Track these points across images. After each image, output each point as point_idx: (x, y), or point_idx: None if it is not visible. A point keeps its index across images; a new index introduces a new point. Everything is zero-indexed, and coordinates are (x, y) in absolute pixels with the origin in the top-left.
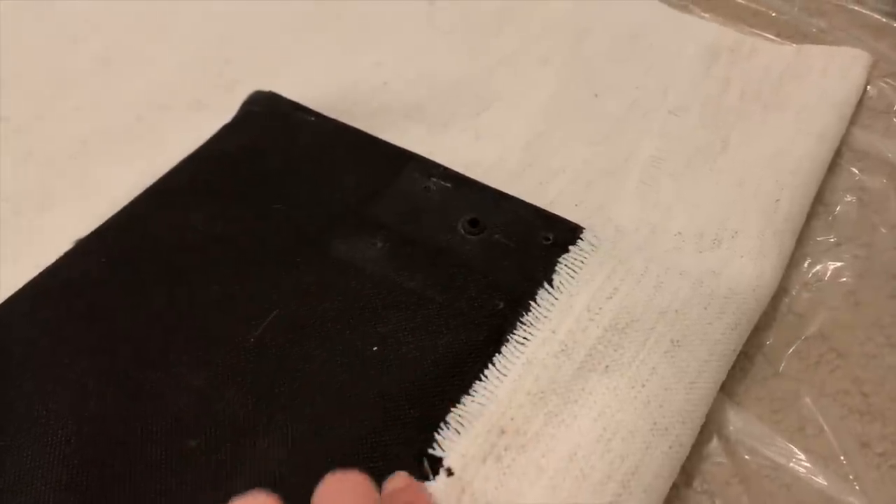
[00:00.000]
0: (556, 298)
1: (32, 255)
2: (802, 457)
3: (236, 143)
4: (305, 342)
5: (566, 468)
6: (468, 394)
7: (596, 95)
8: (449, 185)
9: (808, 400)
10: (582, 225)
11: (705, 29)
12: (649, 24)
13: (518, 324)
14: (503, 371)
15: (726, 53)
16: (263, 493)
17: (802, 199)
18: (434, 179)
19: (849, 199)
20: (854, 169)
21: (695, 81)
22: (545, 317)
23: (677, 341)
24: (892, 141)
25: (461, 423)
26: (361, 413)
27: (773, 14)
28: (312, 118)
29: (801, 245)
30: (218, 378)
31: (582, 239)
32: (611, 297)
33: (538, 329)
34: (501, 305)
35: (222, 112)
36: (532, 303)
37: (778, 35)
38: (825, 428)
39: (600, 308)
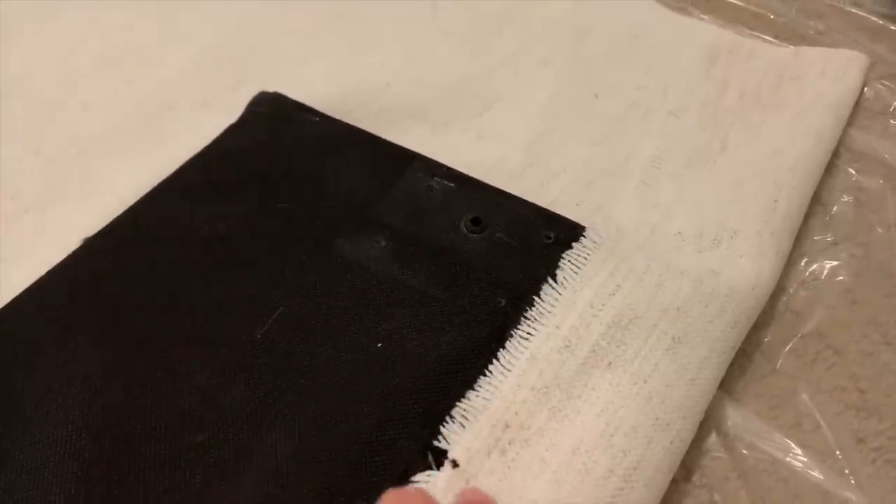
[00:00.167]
0: (560, 294)
1: (40, 254)
2: (799, 452)
3: (242, 144)
4: (311, 339)
5: (569, 462)
6: (473, 388)
7: (596, 96)
8: (451, 184)
9: (805, 396)
10: (583, 224)
11: (704, 30)
12: (649, 26)
13: (522, 319)
14: (507, 366)
15: (725, 55)
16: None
17: (800, 198)
18: (437, 179)
19: (846, 199)
20: (851, 169)
21: (694, 82)
22: (549, 312)
23: (678, 338)
24: (889, 142)
25: (466, 418)
26: (366, 408)
27: (772, 16)
28: (317, 119)
29: (798, 244)
30: (224, 374)
31: (584, 237)
32: (614, 294)
33: (542, 325)
34: (503, 302)
35: (228, 112)
36: (536, 298)
37: (776, 37)
38: (822, 424)
39: (603, 304)
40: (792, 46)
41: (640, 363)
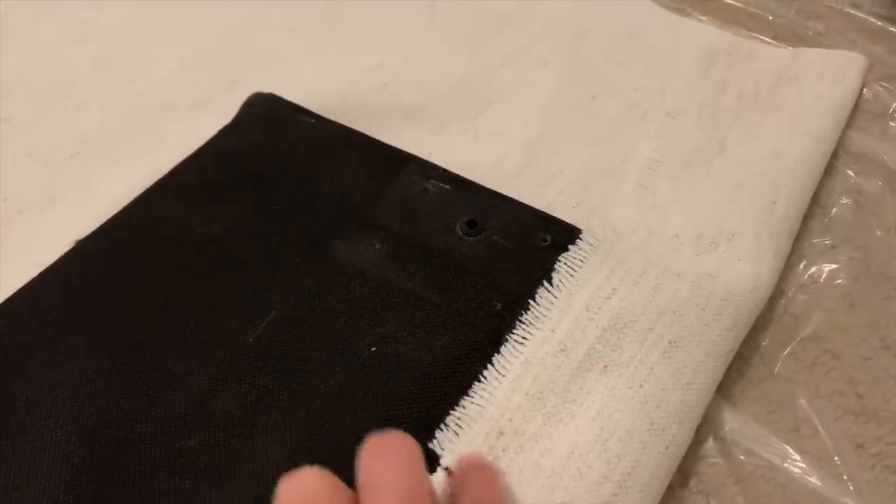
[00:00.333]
0: (556, 297)
1: (32, 255)
2: (797, 457)
3: (236, 145)
4: (304, 342)
5: (563, 467)
6: (467, 395)
7: (594, 97)
8: (447, 186)
9: (803, 401)
10: (580, 226)
11: (703, 32)
12: (647, 27)
13: (517, 323)
14: (502, 371)
15: (723, 56)
16: (314, 470)
17: (799, 201)
18: (433, 181)
19: (845, 202)
20: (850, 171)
21: (692, 84)
22: (544, 316)
23: (675, 342)
24: (888, 144)
25: (460, 426)
26: (360, 413)
27: (770, 17)
28: (312, 120)
29: (797, 247)
30: (217, 378)
31: (580, 239)
32: (610, 297)
33: (537, 328)
34: (499, 306)
35: (222, 113)
36: (531, 302)
37: (774, 38)
38: (820, 429)
39: (599, 308)
40: (790, 48)
41: (635, 367)
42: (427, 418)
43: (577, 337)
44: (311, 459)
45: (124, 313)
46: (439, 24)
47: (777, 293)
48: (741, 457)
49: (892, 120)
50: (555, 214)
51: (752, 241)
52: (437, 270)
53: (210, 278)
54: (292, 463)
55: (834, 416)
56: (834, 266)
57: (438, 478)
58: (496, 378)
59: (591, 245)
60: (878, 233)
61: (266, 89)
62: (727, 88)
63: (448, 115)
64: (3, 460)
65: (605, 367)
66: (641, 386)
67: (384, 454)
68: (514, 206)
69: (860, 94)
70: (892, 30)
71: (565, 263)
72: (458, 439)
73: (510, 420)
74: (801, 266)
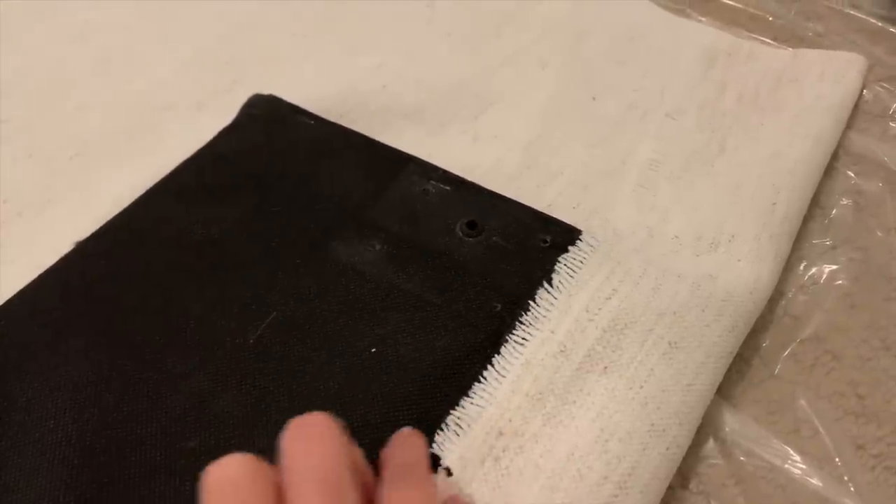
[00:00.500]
0: (556, 298)
1: (32, 256)
2: (798, 458)
3: (236, 146)
4: (304, 343)
5: (563, 468)
6: (467, 395)
7: (594, 98)
8: (447, 187)
9: (803, 402)
10: (580, 227)
11: (703, 33)
12: (647, 27)
13: (517, 324)
14: (502, 372)
15: (723, 57)
16: (238, 455)
17: (799, 202)
18: (432, 182)
19: (845, 203)
20: (850, 172)
21: (692, 85)
22: (544, 317)
23: (675, 343)
24: (888, 144)
25: (460, 426)
26: (359, 414)
27: (770, 18)
28: (311, 121)
29: (797, 248)
30: (217, 379)
31: (580, 240)
32: (609, 298)
33: (537, 329)
34: (499, 307)
35: (222, 114)
36: (531, 303)
37: (774, 39)
38: (820, 430)
39: (599, 309)
40: (790, 49)
41: (635, 368)
42: (427, 419)
43: (577, 338)
44: None
45: (124, 315)
46: (439, 25)
47: (777, 294)
48: (742, 458)
49: (892, 121)
50: (555, 215)
51: (752, 242)
52: (436, 271)
53: (210, 280)
54: None
55: (834, 417)
56: (834, 267)
57: (439, 479)
58: (496, 379)
59: (591, 246)
60: (879, 234)
61: (266, 89)
62: (727, 89)
63: (448, 116)
64: (3, 461)
65: (606, 368)
66: (641, 387)
67: (304, 435)
68: (514, 207)
69: (860, 95)
70: (892, 31)
71: (565, 264)
72: (458, 440)
73: (510, 421)
74: (802, 267)
